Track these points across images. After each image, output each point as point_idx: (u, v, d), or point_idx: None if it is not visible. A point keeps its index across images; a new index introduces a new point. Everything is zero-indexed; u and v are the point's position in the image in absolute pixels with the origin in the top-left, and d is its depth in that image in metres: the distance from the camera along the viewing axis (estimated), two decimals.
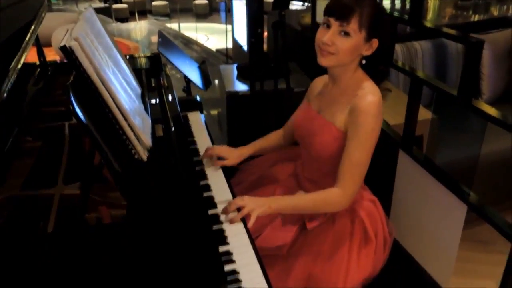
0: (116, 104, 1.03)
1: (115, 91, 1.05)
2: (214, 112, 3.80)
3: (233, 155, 1.53)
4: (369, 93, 1.26)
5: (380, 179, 2.07)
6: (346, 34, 1.21)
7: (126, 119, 1.06)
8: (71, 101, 0.89)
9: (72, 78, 0.98)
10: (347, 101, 1.29)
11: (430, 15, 3.77)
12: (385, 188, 2.05)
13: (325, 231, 1.37)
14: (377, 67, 1.32)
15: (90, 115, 0.95)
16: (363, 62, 1.29)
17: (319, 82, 1.48)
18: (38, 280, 0.85)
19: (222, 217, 1.27)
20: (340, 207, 1.32)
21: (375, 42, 1.25)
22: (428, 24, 2.62)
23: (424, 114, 2.15)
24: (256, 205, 1.25)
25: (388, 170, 2.02)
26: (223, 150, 1.54)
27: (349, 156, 1.26)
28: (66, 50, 0.92)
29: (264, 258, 1.23)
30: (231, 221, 1.24)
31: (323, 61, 1.26)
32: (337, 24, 1.21)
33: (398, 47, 2.78)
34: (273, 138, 1.63)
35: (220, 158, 1.53)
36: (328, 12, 1.23)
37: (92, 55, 1.00)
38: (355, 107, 1.25)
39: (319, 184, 1.43)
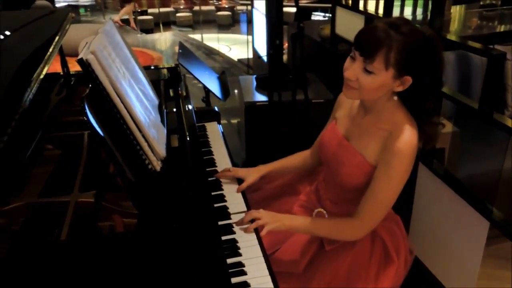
0: (131, 115, 1.05)
1: (130, 102, 1.07)
2: (234, 121, 3.83)
3: (250, 174, 1.48)
4: (406, 131, 1.16)
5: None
6: (370, 72, 1.11)
7: (140, 130, 1.07)
8: (86, 112, 0.91)
9: (88, 90, 1.00)
10: (381, 135, 1.21)
11: (455, 26, 3.71)
12: (405, 202, 2.01)
13: (344, 252, 1.33)
14: (423, 105, 1.19)
15: (105, 126, 0.97)
16: (395, 98, 1.19)
17: (345, 99, 1.37)
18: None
19: (236, 228, 1.27)
20: (353, 239, 1.29)
21: (407, 80, 1.13)
22: (452, 35, 2.58)
23: (446, 127, 2.10)
24: (271, 219, 1.25)
25: (408, 183, 1.98)
26: (240, 172, 1.49)
27: (374, 194, 1.20)
28: (83, 63, 0.95)
29: (280, 275, 1.21)
30: (246, 230, 1.24)
31: (346, 93, 1.20)
32: (362, 59, 1.11)
33: None
34: (297, 158, 1.55)
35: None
36: (355, 44, 1.14)
37: (109, 68, 1.02)
38: (391, 147, 1.16)
39: (340, 206, 1.40)
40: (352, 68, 1.14)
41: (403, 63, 1.10)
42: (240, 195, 1.46)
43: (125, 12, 8.49)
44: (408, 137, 1.16)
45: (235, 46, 7.40)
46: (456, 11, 3.78)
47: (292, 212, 1.47)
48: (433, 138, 1.26)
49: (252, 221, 1.26)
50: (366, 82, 1.13)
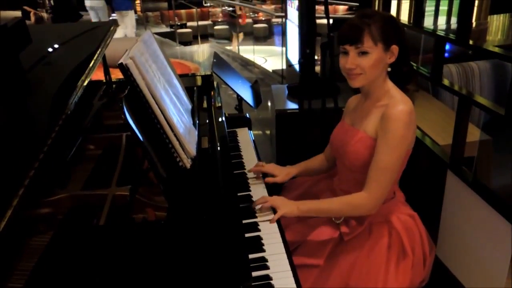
0: (164, 115, 1.14)
1: (164, 104, 1.16)
2: (268, 132, 3.90)
3: (282, 172, 1.61)
4: (400, 102, 1.30)
5: (427, 198, 2.04)
6: (364, 53, 1.28)
7: (172, 129, 1.17)
8: (124, 111, 1.01)
9: (126, 92, 1.11)
10: (380, 111, 1.34)
11: (496, 35, 3.64)
12: (433, 207, 2.00)
13: (362, 242, 1.39)
14: (401, 70, 1.37)
15: (140, 124, 1.07)
16: (389, 69, 1.35)
17: (353, 101, 1.55)
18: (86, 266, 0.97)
19: (261, 226, 1.34)
20: (365, 211, 1.34)
21: (395, 48, 1.30)
22: (489, 44, 2.54)
23: (474, 134, 2.08)
24: (283, 204, 1.36)
25: (436, 190, 1.98)
26: (272, 167, 1.62)
27: (376, 160, 1.30)
28: (122, 67, 1.06)
29: (301, 268, 1.28)
30: (261, 209, 1.38)
31: (354, 83, 1.34)
32: (353, 48, 1.28)
33: (452, 67, 2.72)
34: (317, 160, 1.69)
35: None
36: (341, 41, 1.31)
37: (145, 72, 1.12)
38: (386, 114, 1.30)
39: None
40: (350, 59, 1.30)
41: (385, 35, 1.28)
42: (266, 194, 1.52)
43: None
44: (402, 104, 1.30)
45: (270, 58, 7.52)
46: (494, 20, 3.71)
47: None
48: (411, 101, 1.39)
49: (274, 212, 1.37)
50: (365, 63, 1.28)
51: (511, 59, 1.50)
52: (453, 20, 3.22)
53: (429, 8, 3.11)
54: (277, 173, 1.60)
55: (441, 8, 3.26)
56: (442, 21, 3.22)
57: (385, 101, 1.34)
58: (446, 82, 1.98)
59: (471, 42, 1.88)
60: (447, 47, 2.71)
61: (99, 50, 1.55)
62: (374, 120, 1.35)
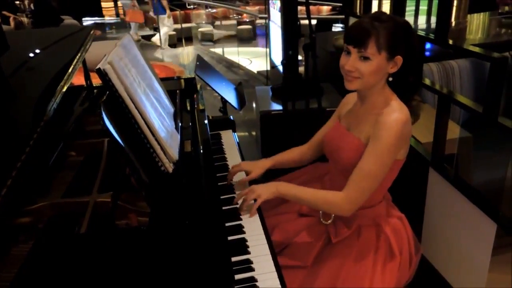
0: (145, 120, 1.13)
1: (144, 108, 1.16)
2: (253, 133, 3.91)
3: (255, 167, 1.58)
4: (396, 110, 1.27)
5: (411, 196, 2.06)
6: (366, 58, 1.23)
7: (153, 134, 1.16)
8: (102, 116, 1.00)
9: (105, 97, 1.10)
10: (374, 118, 1.31)
11: (477, 34, 3.71)
12: (416, 205, 2.03)
13: (350, 244, 1.39)
14: (407, 79, 1.33)
15: (121, 130, 1.06)
16: (390, 79, 1.31)
17: (350, 99, 1.51)
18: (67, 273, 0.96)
19: (245, 228, 1.34)
20: (341, 211, 1.33)
21: (399, 59, 1.26)
22: (467, 43, 2.59)
23: (455, 132, 2.12)
24: (262, 190, 1.35)
25: (419, 187, 2.00)
26: (245, 165, 1.60)
27: (361, 165, 1.28)
28: (100, 72, 1.05)
29: (287, 270, 1.27)
30: (250, 215, 1.37)
31: (349, 85, 1.30)
32: (356, 50, 1.24)
33: (433, 66, 2.76)
34: (295, 152, 1.65)
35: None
36: (346, 40, 1.27)
37: (124, 77, 1.11)
38: (379, 121, 1.27)
39: None
40: (350, 61, 1.26)
41: (392, 44, 1.24)
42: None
43: None
44: (397, 113, 1.26)
45: (255, 59, 7.52)
46: (474, 19, 3.78)
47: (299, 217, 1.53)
48: (416, 112, 1.37)
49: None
50: (365, 69, 1.25)
51: (487, 57, 1.53)
52: (433, 19, 3.28)
53: (410, 8, 3.16)
54: (251, 168, 1.57)
55: (421, 7, 3.31)
56: (422, 20, 3.27)
57: (381, 108, 1.30)
58: (427, 81, 2.01)
59: (450, 41, 1.91)
60: (428, 45, 2.75)
61: (79, 55, 1.54)
62: (369, 128, 1.32)
